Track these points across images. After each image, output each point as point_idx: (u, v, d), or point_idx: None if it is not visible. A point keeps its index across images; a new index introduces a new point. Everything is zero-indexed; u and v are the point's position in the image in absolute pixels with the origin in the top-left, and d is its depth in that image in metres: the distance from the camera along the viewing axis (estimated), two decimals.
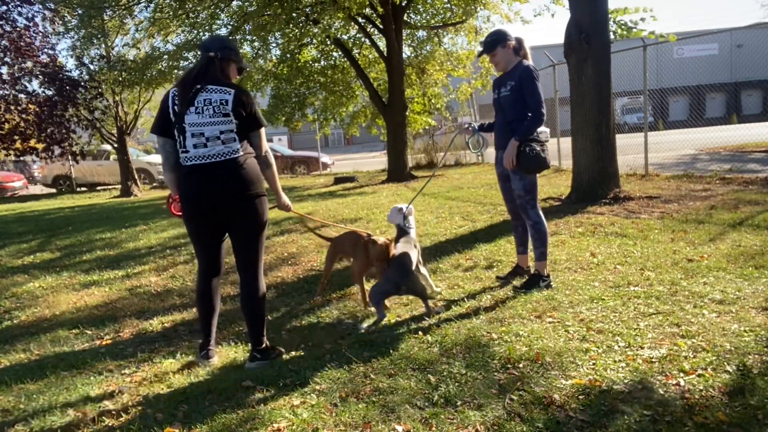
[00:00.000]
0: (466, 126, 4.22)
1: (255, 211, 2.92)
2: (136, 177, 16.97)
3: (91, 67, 14.96)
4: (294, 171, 19.84)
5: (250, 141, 2.95)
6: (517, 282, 4.05)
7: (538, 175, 3.90)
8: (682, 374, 2.48)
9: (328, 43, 13.96)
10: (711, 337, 2.83)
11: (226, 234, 3.05)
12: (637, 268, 4.17)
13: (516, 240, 4.28)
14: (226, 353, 3.28)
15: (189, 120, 2.82)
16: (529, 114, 3.71)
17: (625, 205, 6.74)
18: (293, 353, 3.20)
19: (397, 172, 13.61)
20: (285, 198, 3.20)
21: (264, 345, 3.08)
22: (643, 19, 8.39)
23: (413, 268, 3.57)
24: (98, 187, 20.23)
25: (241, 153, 2.87)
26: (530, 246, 4.02)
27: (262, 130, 2.96)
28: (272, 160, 3.01)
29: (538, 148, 3.77)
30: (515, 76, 3.79)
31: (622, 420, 2.16)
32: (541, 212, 3.91)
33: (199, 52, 3.02)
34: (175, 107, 2.85)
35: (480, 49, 4.02)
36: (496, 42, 3.84)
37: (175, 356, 3.29)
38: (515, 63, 3.86)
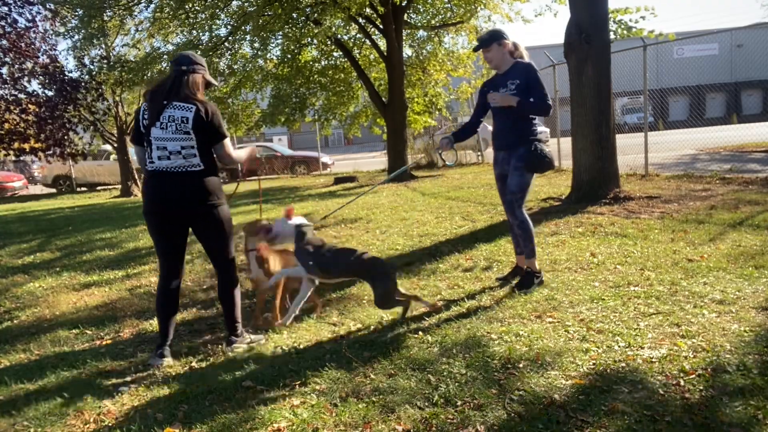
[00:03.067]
0: (446, 140, 4.17)
1: (214, 219, 3.14)
2: (136, 177, 16.97)
3: (92, 67, 14.97)
4: (294, 171, 19.83)
5: (215, 152, 3.13)
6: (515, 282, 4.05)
7: (537, 175, 3.95)
8: (682, 374, 2.48)
9: (329, 43, 13.97)
10: (711, 337, 2.83)
11: (185, 240, 3.24)
12: (637, 268, 4.17)
13: (514, 240, 4.24)
14: (226, 353, 3.28)
15: (154, 134, 3.01)
16: (539, 102, 3.74)
17: (625, 205, 6.74)
18: (293, 354, 3.19)
19: None
20: (248, 152, 3.40)
21: (238, 330, 3.34)
22: (643, 18, 8.41)
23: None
24: (98, 187, 20.24)
25: (202, 167, 3.05)
26: None
27: (225, 141, 3.10)
28: (238, 159, 3.23)
29: (547, 150, 3.83)
30: (518, 74, 3.80)
31: (622, 420, 2.16)
32: (525, 212, 3.96)
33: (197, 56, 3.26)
34: (144, 121, 3.05)
35: (476, 44, 4.06)
36: (493, 38, 3.88)
37: (175, 356, 3.29)
38: (511, 63, 3.88)
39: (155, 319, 4.06)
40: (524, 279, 3.94)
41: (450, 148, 4.23)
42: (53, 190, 20.30)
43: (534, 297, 3.68)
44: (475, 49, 4.10)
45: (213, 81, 3.29)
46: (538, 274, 3.94)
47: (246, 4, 12.85)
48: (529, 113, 3.84)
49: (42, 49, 13.73)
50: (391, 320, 3.55)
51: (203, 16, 12.67)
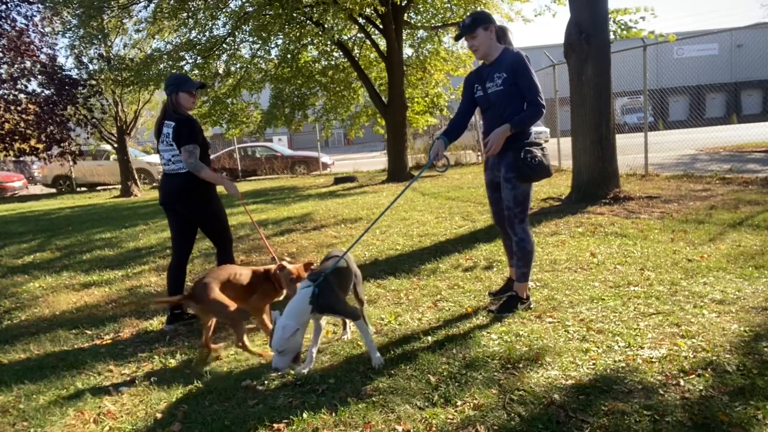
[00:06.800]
0: (441, 142, 3.42)
1: (196, 211, 3.84)
2: (136, 177, 16.98)
3: (91, 67, 14.96)
4: (294, 171, 19.83)
5: None
6: (492, 305, 3.57)
7: (534, 184, 3.50)
8: (682, 374, 2.48)
9: (329, 44, 13.97)
10: (711, 337, 2.83)
11: (187, 225, 3.92)
12: (637, 268, 4.17)
13: (507, 252, 3.79)
14: (226, 353, 3.28)
15: (160, 147, 3.87)
16: (530, 108, 3.24)
17: (625, 205, 6.75)
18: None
19: (397, 172, 13.62)
20: (228, 186, 3.91)
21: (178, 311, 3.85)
22: (643, 18, 8.42)
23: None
24: (98, 187, 20.23)
25: (185, 170, 3.73)
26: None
27: (182, 150, 3.67)
28: (195, 169, 3.70)
29: (540, 154, 3.29)
30: (505, 66, 3.27)
31: (622, 420, 2.16)
32: (529, 229, 3.49)
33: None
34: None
35: (457, 32, 3.42)
36: (477, 22, 3.27)
37: (175, 356, 3.29)
38: (500, 51, 3.33)
39: (155, 318, 4.08)
40: (507, 303, 3.47)
41: (444, 157, 3.51)
42: (53, 190, 20.29)
43: (534, 297, 3.68)
44: (457, 38, 3.46)
45: (195, 85, 3.82)
46: (524, 300, 3.49)
47: (246, 3, 12.85)
48: (526, 127, 3.30)
49: (41, 48, 13.72)
50: (391, 320, 3.55)
51: (202, 15, 12.67)
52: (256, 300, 3.34)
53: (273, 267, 3.40)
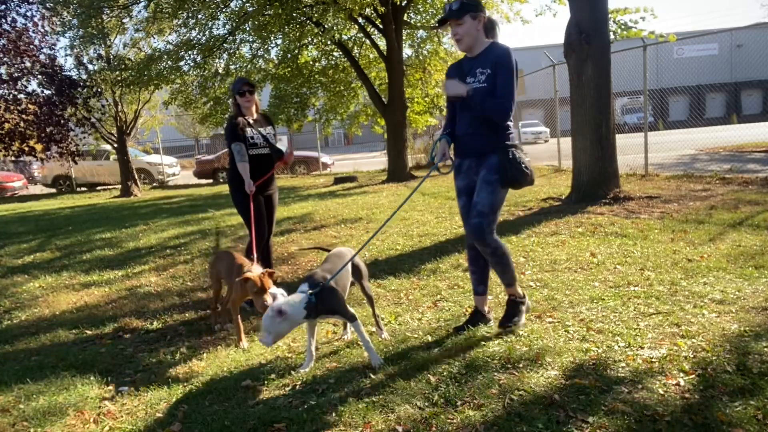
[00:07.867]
0: (445, 142, 3.19)
1: (231, 195, 4.34)
2: (136, 177, 16.97)
3: (90, 67, 14.95)
4: (294, 171, 19.82)
5: None
6: (492, 321, 3.32)
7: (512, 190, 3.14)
8: (682, 374, 2.48)
9: (329, 43, 13.97)
10: (711, 337, 2.83)
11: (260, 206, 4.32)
12: (637, 268, 4.17)
13: (474, 277, 3.27)
14: (226, 353, 3.28)
15: None
16: (497, 102, 2.91)
17: (625, 205, 6.75)
18: (293, 354, 3.19)
19: (397, 172, 13.62)
20: (246, 180, 4.03)
21: None
22: (643, 18, 8.43)
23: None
24: (98, 187, 20.23)
25: (232, 163, 4.20)
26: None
27: (231, 147, 4.12)
28: (234, 164, 4.12)
29: (526, 159, 3.01)
30: (490, 61, 2.95)
31: (622, 420, 2.16)
32: (497, 236, 3.12)
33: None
34: None
35: (442, 15, 3.08)
36: (466, 8, 2.92)
37: (175, 356, 3.29)
38: (486, 45, 3.02)
39: (155, 318, 4.08)
40: (510, 311, 3.20)
41: (449, 158, 3.21)
42: (53, 190, 20.28)
43: (534, 297, 3.68)
44: (441, 22, 3.10)
45: (239, 89, 4.15)
46: (521, 298, 3.24)
47: (246, 3, 12.86)
48: (482, 112, 2.95)
49: (41, 48, 13.72)
50: (391, 320, 3.55)
51: (202, 15, 12.67)
52: (234, 296, 3.45)
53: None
